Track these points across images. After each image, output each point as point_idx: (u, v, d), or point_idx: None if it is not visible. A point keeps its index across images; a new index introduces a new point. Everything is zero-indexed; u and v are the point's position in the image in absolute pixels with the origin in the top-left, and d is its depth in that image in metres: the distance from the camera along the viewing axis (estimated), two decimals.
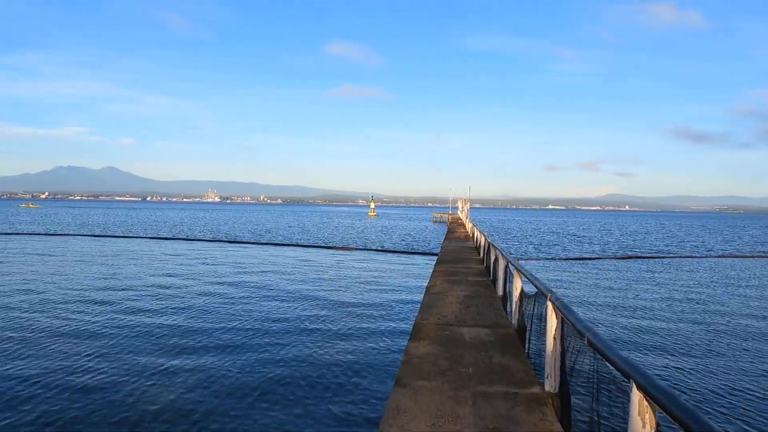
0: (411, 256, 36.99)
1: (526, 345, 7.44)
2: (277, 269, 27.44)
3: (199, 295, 19.34)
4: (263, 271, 26.39)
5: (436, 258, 22.46)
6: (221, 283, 22.33)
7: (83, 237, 49.44)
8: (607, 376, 4.08)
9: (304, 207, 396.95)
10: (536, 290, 6.67)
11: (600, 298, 20.27)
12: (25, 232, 54.76)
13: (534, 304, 7.67)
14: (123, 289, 20.19)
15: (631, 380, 2.95)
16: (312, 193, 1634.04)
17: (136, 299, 18.24)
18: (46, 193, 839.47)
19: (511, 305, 8.80)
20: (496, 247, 12.68)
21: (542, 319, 7.45)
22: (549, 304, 5.31)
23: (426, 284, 12.77)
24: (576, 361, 4.81)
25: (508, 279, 10.49)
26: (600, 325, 15.06)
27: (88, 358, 11.35)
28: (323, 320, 15.44)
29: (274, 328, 14.39)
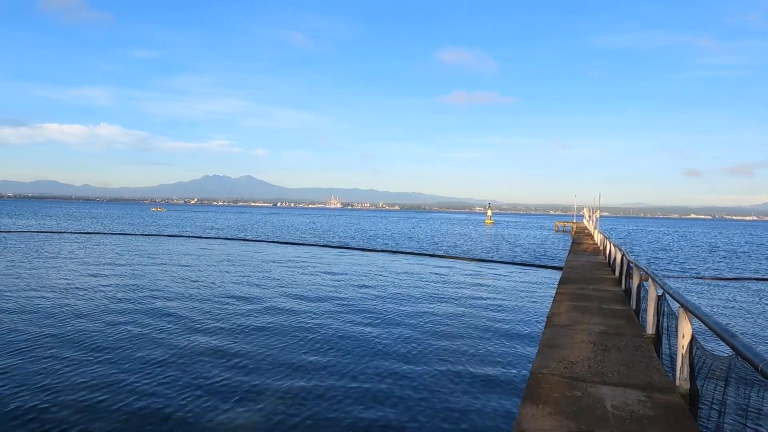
0: (529, 269, 33.69)
1: (706, 424, 5.00)
2: (375, 278, 26.24)
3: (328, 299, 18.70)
4: (361, 278, 25.36)
5: (558, 274, 19.56)
6: (328, 285, 21.62)
7: (232, 240, 53.16)
8: None
9: (421, 213, 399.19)
10: (713, 334, 4.33)
11: None
12: (163, 233, 60.53)
13: (714, 361, 5.24)
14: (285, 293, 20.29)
15: None
16: (429, 199, 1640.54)
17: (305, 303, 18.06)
18: (195, 199, 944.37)
19: (674, 357, 6.28)
20: (640, 268, 9.93)
21: (727, 380, 5.06)
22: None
23: (546, 311, 10.44)
24: None
25: (662, 312, 7.86)
26: None
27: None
28: (399, 356, 12.30)
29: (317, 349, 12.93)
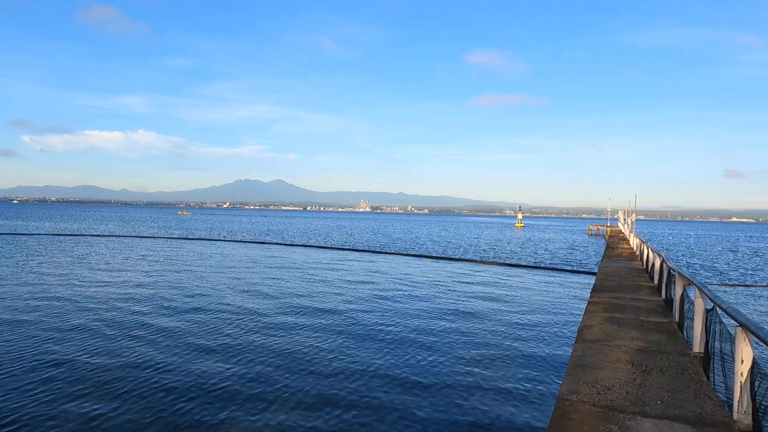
0: (558, 274, 32.29)
1: None
2: (392, 280, 25.45)
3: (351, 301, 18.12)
4: (375, 280, 24.62)
5: (591, 280, 18.42)
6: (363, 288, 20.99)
7: (252, 244, 53.37)
8: None
9: (450, 217, 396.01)
10: None
11: None
12: (193, 237, 61.21)
13: None
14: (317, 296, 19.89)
15: None
16: (459, 203, 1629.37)
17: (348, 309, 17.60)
18: (228, 203, 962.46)
19: (730, 384, 5.34)
20: (684, 276, 8.91)
21: None
22: None
23: (578, 323, 9.50)
24: None
25: (712, 329, 6.87)
26: None
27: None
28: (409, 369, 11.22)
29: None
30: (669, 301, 11.14)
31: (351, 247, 50.19)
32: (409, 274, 29.51)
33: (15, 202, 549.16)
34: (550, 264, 37.67)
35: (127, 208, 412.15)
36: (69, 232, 62.59)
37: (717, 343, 6.53)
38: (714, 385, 6.07)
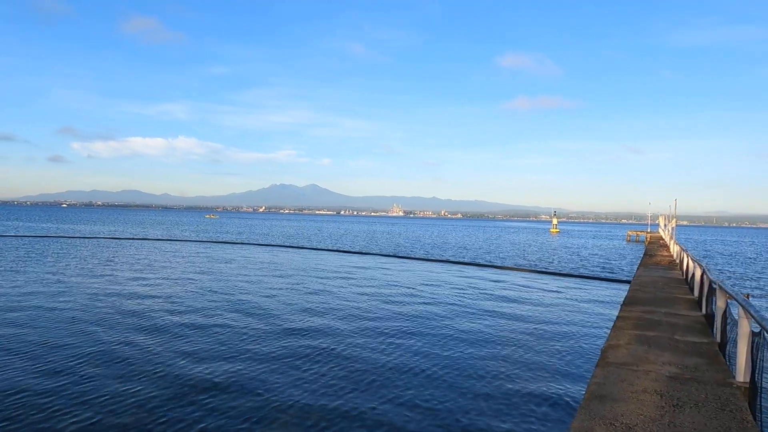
0: (588, 283, 30.70)
1: None
2: (408, 288, 24.57)
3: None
4: (391, 286, 23.78)
5: (624, 289, 17.15)
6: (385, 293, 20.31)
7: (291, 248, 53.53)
8: None
9: (483, 222, 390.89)
10: None
11: None
12: (221, 240, 61.89)
13: None
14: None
15: None
16: (493, 207, 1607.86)
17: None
18: (263, 207, 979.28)
19: None
20: (726, 290, 7.81)
21: None
22: None
23: (601, 338, 8.51)
24: None
25: (758, 355, 5.84)
26: None
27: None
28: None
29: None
30: (710, 317, 9.97)
31: (375, 252, 49.56)
32: (430, 282, 28.60)
33: (64, 206, 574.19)
34: (582, 271, 36.02)
35: (167, 212, 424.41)
36: (119, 236, 64.35)
37: (765, 374, 5.51)
38: (761, 425, 5.07)
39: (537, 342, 14.91)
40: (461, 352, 13.53)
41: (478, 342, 14.69)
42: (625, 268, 39.31)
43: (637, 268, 22.28)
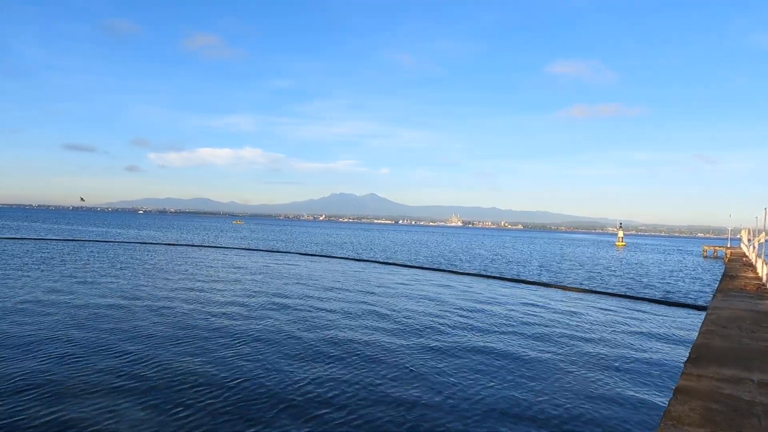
0: (647, 306, 25.48)
1: None
2: (437, 306, 20.72)
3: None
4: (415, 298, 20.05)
5: (697, 320, 12.69)
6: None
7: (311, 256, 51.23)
8: None
9: (544, 233, 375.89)
10: None
11: None
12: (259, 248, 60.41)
13: None
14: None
15: None
16: (555, 219, 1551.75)
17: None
18: (323, 216, 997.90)
19: None
20: None
21: None
22: None
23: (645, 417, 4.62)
24: None
25: None
26: None
27: None
28: None
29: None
30: None
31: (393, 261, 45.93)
32: (448, 296, 24.66)
33: (140, 212, 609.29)
34: (641, 293, 30.54)
35: (233, 219, 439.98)
36: (186, 243, 64.72)
37: None
38: None
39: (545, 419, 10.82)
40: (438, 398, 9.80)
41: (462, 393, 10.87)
42: (699, 290, 33.39)
43: (715, 295, 17.39)
